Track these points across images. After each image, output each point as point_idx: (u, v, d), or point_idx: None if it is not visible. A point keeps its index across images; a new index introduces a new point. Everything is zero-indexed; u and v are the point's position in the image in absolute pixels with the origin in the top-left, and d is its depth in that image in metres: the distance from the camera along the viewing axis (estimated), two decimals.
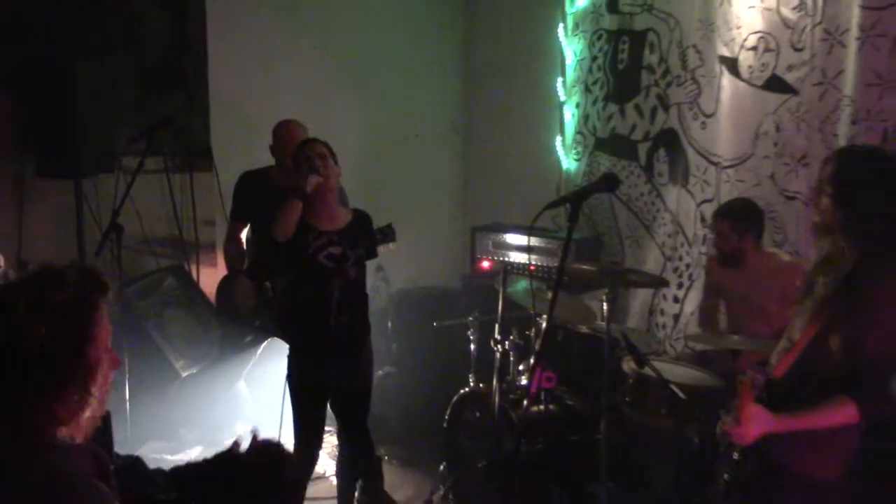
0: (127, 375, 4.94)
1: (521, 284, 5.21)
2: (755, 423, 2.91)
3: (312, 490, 4.97)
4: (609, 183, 3.18)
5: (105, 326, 1.99)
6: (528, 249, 6.03)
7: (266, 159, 5.07)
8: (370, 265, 4.70)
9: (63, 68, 5.23)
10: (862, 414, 2.76)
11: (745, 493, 3.13)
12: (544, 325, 3.68)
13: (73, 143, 5.21)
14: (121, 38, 5.81)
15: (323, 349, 4.34)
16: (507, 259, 6.24)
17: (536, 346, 4.82)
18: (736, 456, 3.07)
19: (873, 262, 2.84)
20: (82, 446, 1.96)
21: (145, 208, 5.71)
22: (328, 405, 4.53)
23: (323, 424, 4.51)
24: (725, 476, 3.16)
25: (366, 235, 4.41)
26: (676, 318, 5.88)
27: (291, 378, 4.40)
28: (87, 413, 1.96)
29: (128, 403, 4.99)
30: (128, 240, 5.38)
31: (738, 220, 4.70)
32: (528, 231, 5.38)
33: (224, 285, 5.21)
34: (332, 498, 4.87)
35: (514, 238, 6.31)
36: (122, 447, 4.93)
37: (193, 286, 5.97)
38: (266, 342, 5.31)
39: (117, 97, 5.59)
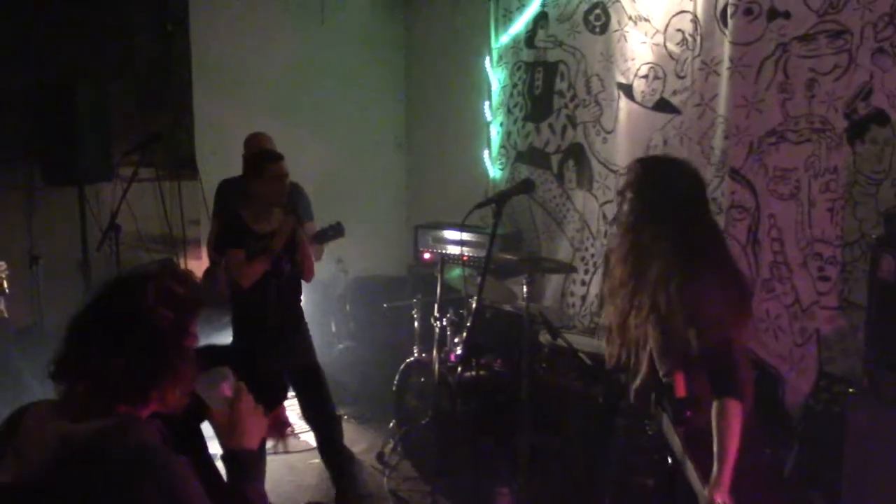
0: None
1: (456, 272, 5.19)
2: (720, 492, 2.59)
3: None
4: (526, 186, 3.18)
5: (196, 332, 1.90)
6: (460, 243, 6.01)
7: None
8: (331, 257, 4.65)
9: (66, 90, 5.14)
10: (739, 400, 2.58)
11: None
12: (474, 304, 3.65)
13: (75, 155, 5.10)
14: (116, 64, 5.70)
15: (264, 336, 4.19)
16: (444, 251, 6.22)
17: (468, 322, 4.81)
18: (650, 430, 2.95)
19: (669, 263, 2.68)
20: (151, 420, 1.84)
21: (140, 211, 5.64)
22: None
23: None
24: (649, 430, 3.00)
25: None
26: (584, 298, 5.90)
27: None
28: (170, 397, 1.85)
29: None
30: (125, 238, 5.29)
31: None
32: (461, 227, 5.33)
33: (207, 275, 5.14)
34: (300, 451, 4.81)
35: (450, 234, 6.28)
36: None
37: None
38: None
39: (114, 116, 5.47)
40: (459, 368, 4.67)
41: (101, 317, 1.79)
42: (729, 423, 2.59)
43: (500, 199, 3.10)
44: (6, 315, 4.55)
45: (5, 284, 4.37)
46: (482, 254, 5.68)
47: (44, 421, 1.75)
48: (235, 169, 5.06)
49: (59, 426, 1.71)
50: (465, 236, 5.92)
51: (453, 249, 6.17)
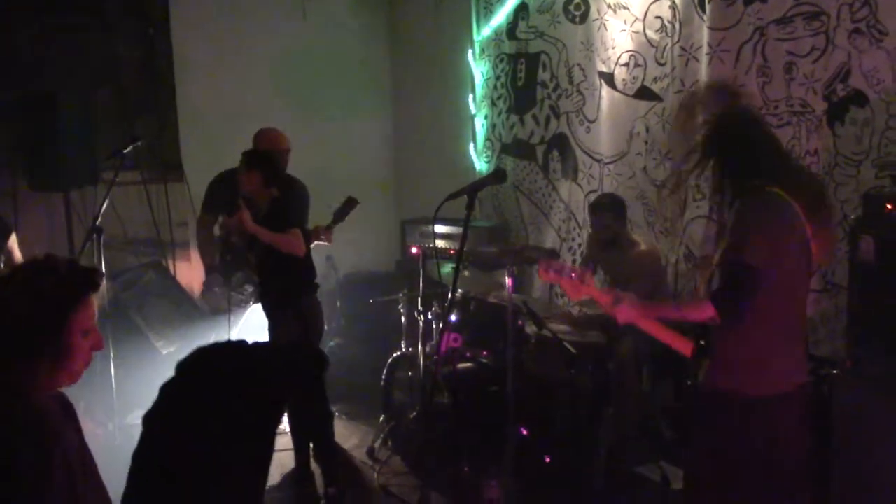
0: (112, 355, 4.71)
1: (445, 268, 5.12)
2: (626, 308, 2.68)
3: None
4: (497, 177, 3.12)
5: (87, 315, 1.96)
6: (445, 237, 5.95)
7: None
8: (322, 254, 4.62)
9: (49, 100, 5.11)
10: (718, 312, 2.50)
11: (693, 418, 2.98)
12: (449, 296, 3.59)
13: (59, 161, 5.10)
14: (100, 70, 5.67)
15: None
16: (431, 245, 6.14)
17: (448, 315, 4.73)
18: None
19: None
20: (50, 394, 1.99)
21: (128, 214, 5.64)
22: None
23: None
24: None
25: None
26: None
27: None
28: (61, 378, 1.97)
29: (113, 379, 4.76)
30: (112, 241, 5.26)
31: (617, 210, 4.67)
32: (433, 220, 5.08)
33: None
34: (289, 449, 4.75)
35: (436, 228, 6.22)
36: (109, 416, 4.80)
37: (170, 278, 5.83)
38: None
39: (98, 123, 5.45)
40: (436, 359, 4.60)
41: None
42: (693, 308, 2.64)
43: (471, 190, 3.04)
44: None
45: None
46: (469, 247, 5.62)
47: None
48: (222, 168, 5.00)
49: None
50: (450, 230, 5.86)
51: (439, 243, 6.10)
